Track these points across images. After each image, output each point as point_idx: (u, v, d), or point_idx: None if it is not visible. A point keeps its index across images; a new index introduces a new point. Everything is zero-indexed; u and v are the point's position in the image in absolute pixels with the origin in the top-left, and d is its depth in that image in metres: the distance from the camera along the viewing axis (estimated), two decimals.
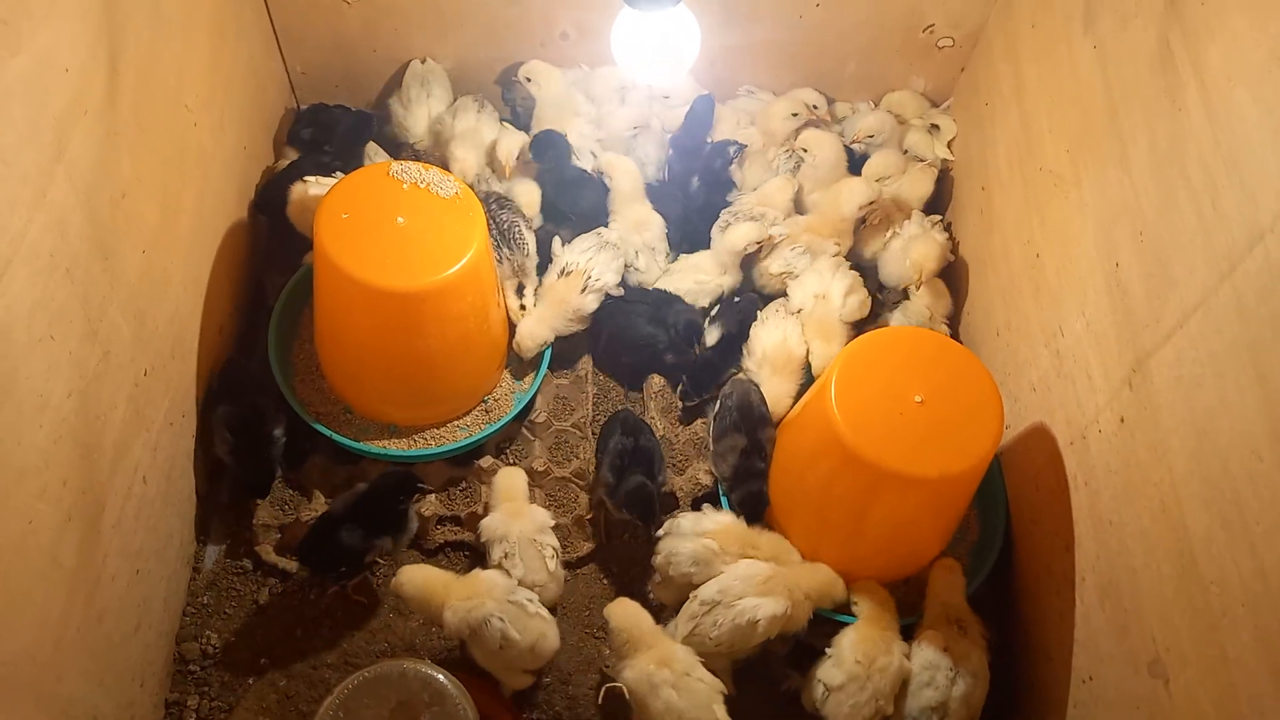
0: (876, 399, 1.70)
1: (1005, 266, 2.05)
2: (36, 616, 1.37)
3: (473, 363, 1.99)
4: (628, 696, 1.67)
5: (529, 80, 2.31)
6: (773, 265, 2.23)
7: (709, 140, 2.37)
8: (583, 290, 2.10)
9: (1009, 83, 2.09)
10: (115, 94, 1.48)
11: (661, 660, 1.67)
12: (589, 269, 2.10)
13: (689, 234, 2.29)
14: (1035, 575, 1.87)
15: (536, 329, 2.08)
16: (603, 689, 1.77)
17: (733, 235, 2.18)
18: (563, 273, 2.11)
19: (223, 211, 2.00)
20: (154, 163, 1.64)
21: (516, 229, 2.10)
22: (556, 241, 2.18)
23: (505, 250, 2.08)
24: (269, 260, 2.19)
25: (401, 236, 1.79)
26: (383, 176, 1.85)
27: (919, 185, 2.32)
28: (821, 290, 2.15)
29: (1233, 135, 1.32)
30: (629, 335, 2.13)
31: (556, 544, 1.86)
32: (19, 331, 1.26)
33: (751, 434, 1.94)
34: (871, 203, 2.24)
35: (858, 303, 2.17)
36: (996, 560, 1.94)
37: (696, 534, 1.83)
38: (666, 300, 2.16)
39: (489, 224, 2.04)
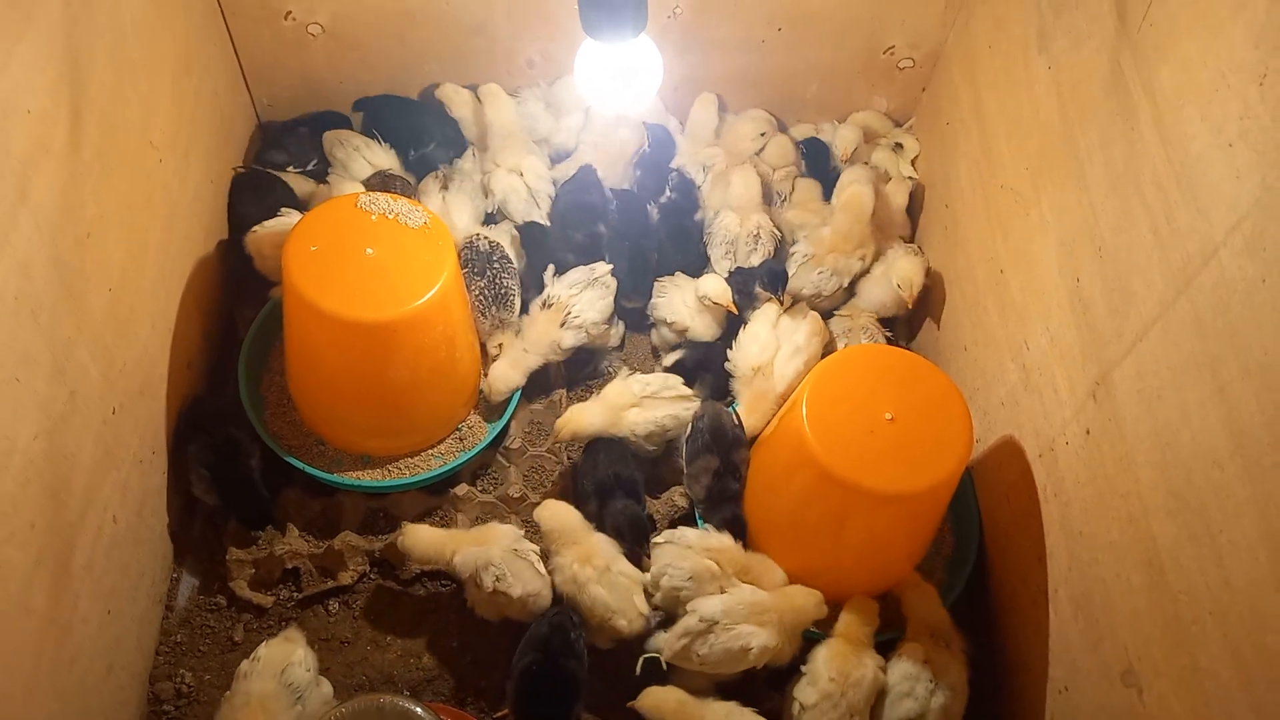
0: (848, 417, 1.72)
1: (970, 283, 2.08)
2: (6, 664, 1.35)
3: (446, 391, 1.99)
4: (664, 665, 1.77)
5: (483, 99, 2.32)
6: (803, 291, 2.23)
7: (672, 168, 2.40)
8: (562, 325, 2.10)
9: (968, 103, 2.13)
10: (78, 134, 1.47)
11: (585, 557, 1.79)
12: (570, 304, 2.10)
13: (661, 258, 2.30)
14: (1010, 588, 1.89)
15: (509, 374, 2.07)
16: (640, 659, 1.79)
17: (706, 285, 2.16)
18: (545, 304, 2.11)
19: (189, 247, 1.99)
20: (119, 202, 1.63)
21: (511, 296, 2.10)
22: (549, 271, 2.18)
23: (494, 309, 2.09)
24: (239, 294, 2.18)
25: (371, 268, 1.79)
26: (350, 208, 1.85)
27: (895, 197, 2.34)
28: (762, 362, 2.07)
29: (1185, 154, 1.35)
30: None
31: (535, 547, 1.85)
32: None
33: (725, 456, 1.95)
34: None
35: (802, 364, 2.07)
36: (972, 573, 1.96)
37: (702, 549, 1.83)
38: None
39: (488, 280, 2.06)
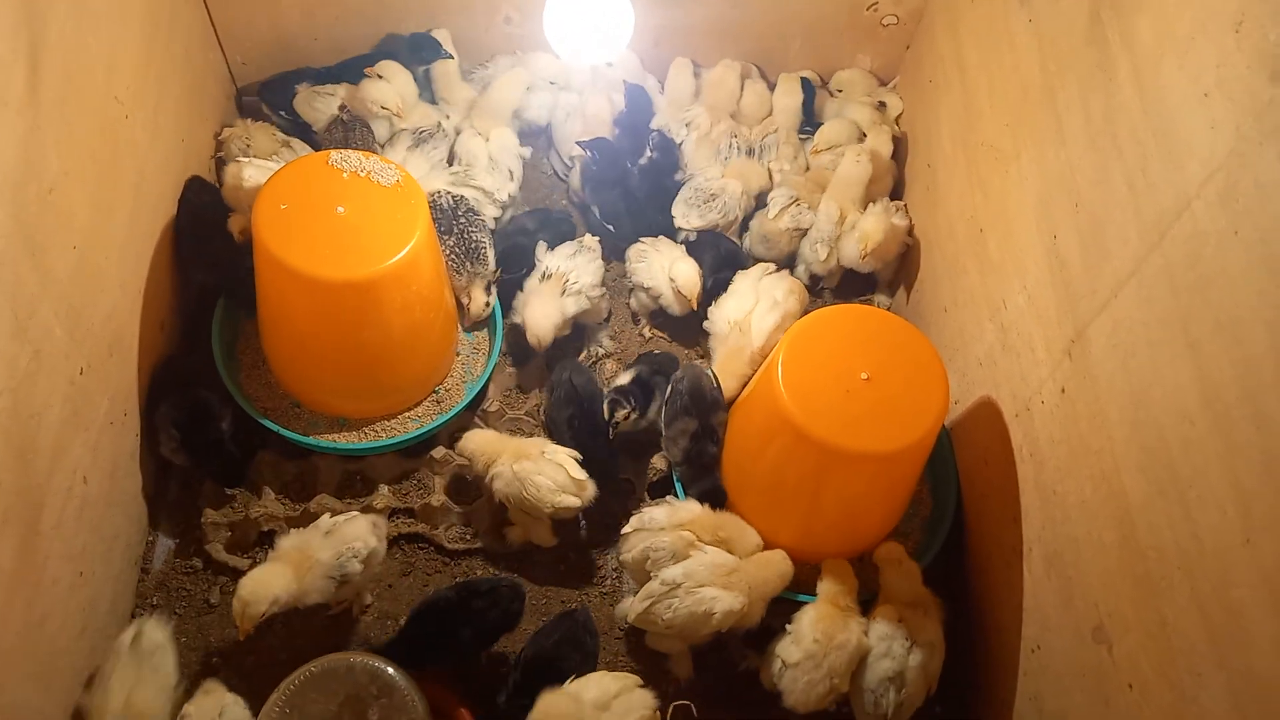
0: (823, 377, 1.71)
1: (951, 243, 2.06)
2: None
3: (421, 352, 1.97)
4: (694, 712, 1.81)
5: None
6: (780, 222, 2.22)
7: (653, 129, 2.37)
8: (563, 293, 2.09)
9: (951, 59, 2.10)
10: (37, 86, 1.44)
11: (518, 455, 1.86)
12: (568, 273, 2.10)
13: (636, 217, 2.27)
14: (986, 548, 1.89)
15: (545, 309, 2.06)
16: (671, 707, 1.81)
17: (679, 271, 2.14)
18: (544, 277, 2.10)
19: (161, 206, 1.96)
20: (83, 157, 1.60)
21: (482, 249, 2.09)
22: (541, 247, 2.17)
23: (467, 264, 2.07)
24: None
25: (342, 226, 1.77)
26: (322, 165, 1.83)
27: (882, 145, 2.32)
28: (739, 317, 2.07)
29: (1161, 104, 1.33)
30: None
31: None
32: None
33: (703, 418, 1.94)
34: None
35: (777, 319, 2.06)
36: (949, 535, 1.96)
37: (673, 526, 1.82)
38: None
39: (456, 236, 2.03)
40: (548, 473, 1.84)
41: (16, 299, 1.41)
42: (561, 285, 2.09)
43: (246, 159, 2.05)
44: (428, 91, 2.36)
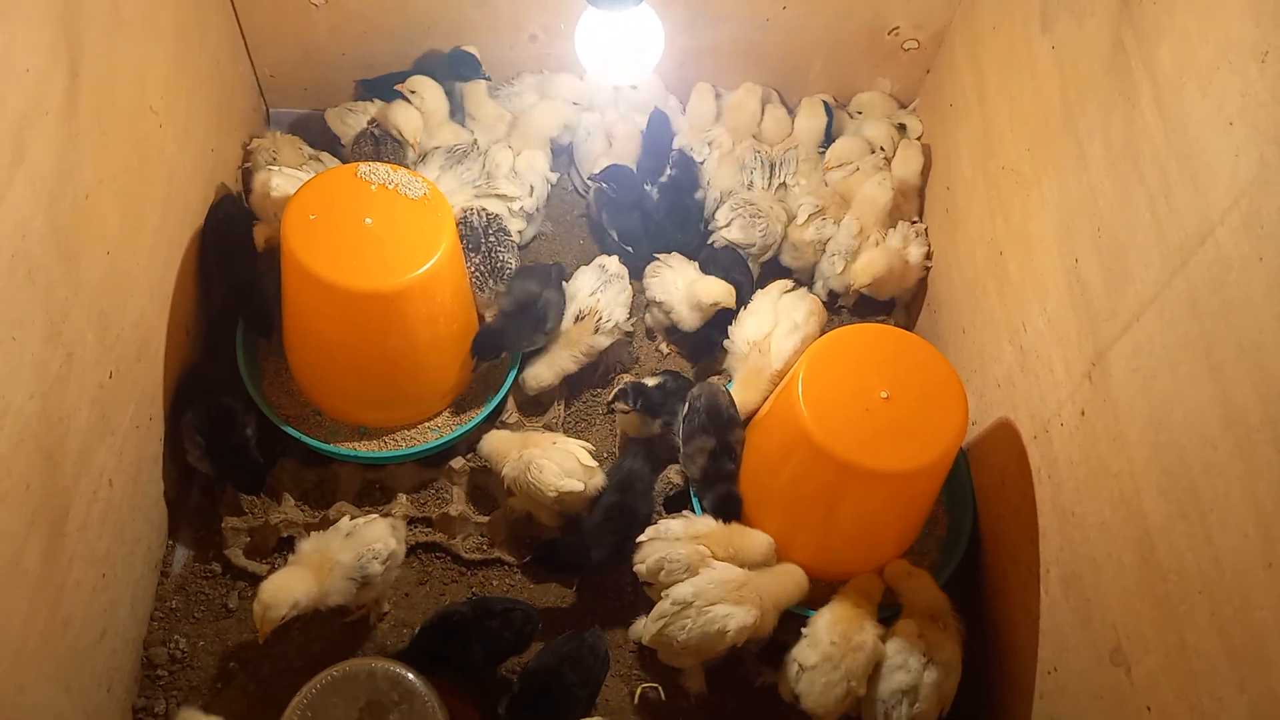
0: (843, 395, 1.72)
1: (970, 265, 2.07)
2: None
3: (443, 363, 1.99)
4: (661, 695, 1.83)
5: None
6: (805, 233, 2.24)
7: (674, 148, 2.40)
8: (595, 331, 2.11)
9: (971, 83, 2.12)
10: (76, 95, 1.47)
11: (525, 444, 1.90)
12: (600, 310, 2.11)
13: (655, 237, 2.29)
14: (1002, 569, 1.89)
15: (542, 372, 2.09)
16: (638, 689, 1.83)
17: (704, 287, 2.14)
18: (578, 317, 2.11)
19: (188, 216, 1.99)
20: (116, 165, 1.63)
21: (508, 268, 2.10)
22: (566, 279, 2.18)
23: (490, 283, 2.09)
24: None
25: (369, 237, 1.79)
26: (350, 177, 1.85)
27: (910, 163, 2.33)
28: (759, 337, 2.07)
29: (1184, 132, 1.35)
30: None
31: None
32: None
33: (720, 436, 1.95)
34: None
35: (797, 343, 2.05)
36: (965, 555, 1.96)
37: (689, 538, 1.83)
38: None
39: (483, 254, 2.06)
40: (555, 458, 1.86)
41: (50, 303, 1.44)
42: (594, 324, 2.11)
43: (274, 168, 2.07)
44: (460, 110, 2.38)
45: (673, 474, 2.09)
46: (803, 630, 1.77)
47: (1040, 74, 1.77)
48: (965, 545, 1.97)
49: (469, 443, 2.09)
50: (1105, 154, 1.54)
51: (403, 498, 2.02)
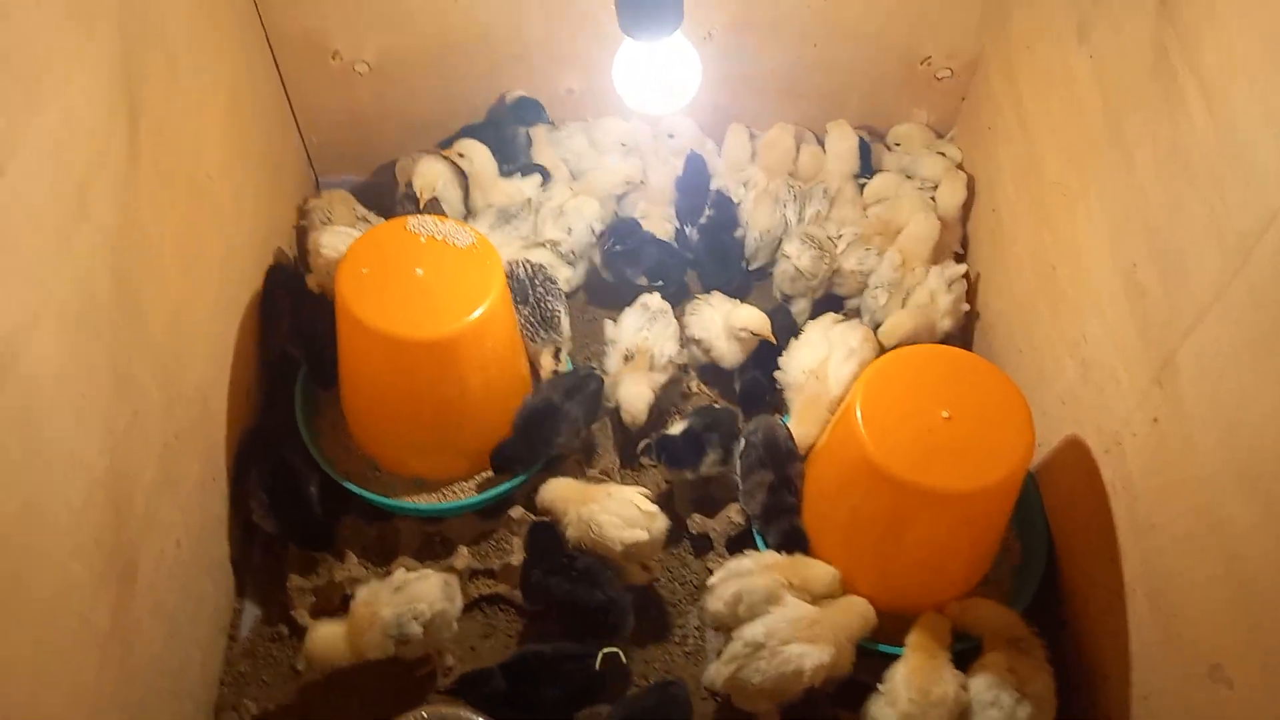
0: (903, 417, 1.69)
1: (1021, 284, 2.05)
2: (70, 679, 1.37)
3: (497, 411, 1.99)
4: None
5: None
6: (847, 262, 2.24)
7: (711, 190, 2.42)
8: (651, 368, 2.11)
9: (1009, 104, 2.12)
10: (136, 156, 1.52)
11: (583, 500, 1.86)
12: (650, 349, 2.11)
13: (702, 275, 2.31)
14: (1083, 592, 1.82)
15: (639, 389, 2.06)
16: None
17: (739, 314, 2.14)
18: (626, 359, 2.12)
19: (245, 279, 2.04)
20: (177, 225, 1.68)
21: (557, 317, 2.12)
22: (608, 325, 2.19)
23: (542, 332, 2.10)
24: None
25: (420, 287, 1.82)
26: (400, 231, 1.89)
27: (954, 195, 2.32)
28: (814, 365, 2.05)
29: (1234, 129, 1.33)
30: None
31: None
32: (49, 387, 1.28)
33: (779, 469, 1.93)
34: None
35: (855, 368, 2.03)
36: (1042, 582, 1.90)
37: (762, 568, 1.80)
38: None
39: (532, 305, 2.08)
40: (614, 510, 1.84)
41: (117, 360, 1.47)
42: (649, 361, 2.11)
43: (328, 226, 2.13)
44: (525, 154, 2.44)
45: (733, 513, 2.06)
46: (878, 685, 1.71)
47: (1080, 85, 1.77)
48: (1041, 571, 1.91)
49: (526, 491, 2.08)
50: (1154, 158, 1.53)
51: (463, 550, 2.01)
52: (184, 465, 1.73)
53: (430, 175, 2.28)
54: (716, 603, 1.79)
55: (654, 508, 1.89)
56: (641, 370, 2.10)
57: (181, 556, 1.72)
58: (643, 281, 2.30)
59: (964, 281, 2.25)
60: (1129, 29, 1.59)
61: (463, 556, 1.99)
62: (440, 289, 1.82)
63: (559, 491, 1.90)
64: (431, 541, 2.05)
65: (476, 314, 1.80)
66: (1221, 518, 1.39)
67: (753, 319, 2.10)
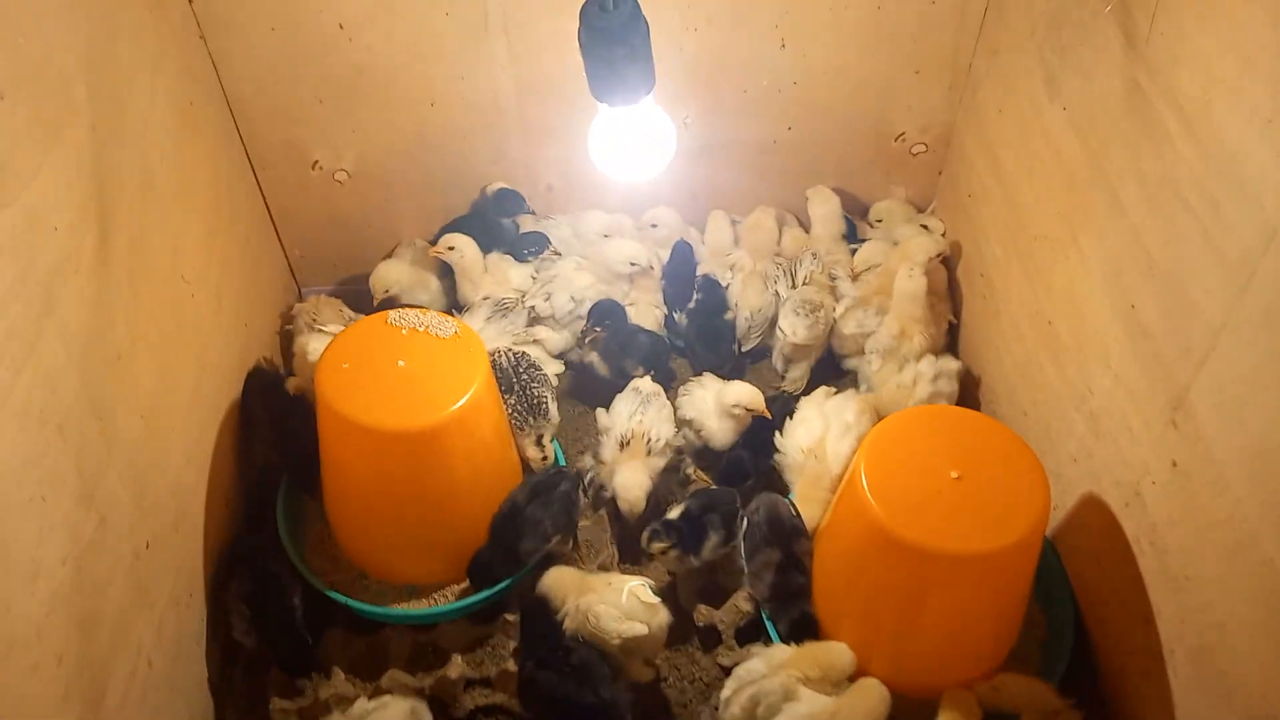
0: (910, 480, 1.61)
1: (1019, 344, 2.00)
2: None
3: (486, 505, 1.90)
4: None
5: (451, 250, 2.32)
6: (846, 325, 2.20)
7: (697, 275, 2.40)
8: (648, 454, 2.04)
9: (987, 168, 2.12)
10: (108, 257, 1.49)
11: (582, 589, 1.76)
12: (645, 432, 2.05)
13: (692, 358, 2.27)
14: (1118, 660, 1.71)
15: (636, 478, 1.99)
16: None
17: (729, 390, 2.08)
18: (622, 445, 2.05)
19: (223, 385, 1.98)
20: (151, 328, 1.63)
21: (544, 403, 2.07)
22: (600, 414, 2.13)
23: (530, 419, 2.05)
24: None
25: (403, 378, 1.76)
26: (381, 325, 1.85)
27: (922, 248, 2.28)
28: (812, 443, 1.99)
29: (1221, 146, 1.31)
30: None
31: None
32: (8, 488, 1.21)
33: (785, 547, 1.84)
34: (939, 254, 2.25)
35: (853, 443, 1.97)
36: (1073, 655, 1.79)
37: (775, 669, 1.70)
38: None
39: (518, 393, 2.04)
40: (612, 601, 1.74)
41: (83, 462, 1.40)
42: (645, 446, 2.04)
43: (314, 329, 2.09)
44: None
45: (741, 600, 1.95)
46: None
47: (1056, 138, 1.77)
48: (1071, 643, 1.80)
49: (521, 593, 1.98)
50: (1141, 192, 1.51)
51: (457, 658, 1.89)
52: (157, 577, 1.63)
53: (382, 277, 2.29)
54: (736, 709, 1.68)
55: (655, 599, 1.79)
56: (638, 457, 2.03)
57: (154, 677, 1.60)
58: (638, 372, 2.25)
59: (955, 380, 2.18)
60: (1099, 73, 1.60)
61: (457, 665, 1.87)
62: (423, 379, 1.77)
63: (558, 579, 1.80)
64: (424, 651, 1.93)
65: (461, 403, 1.74)
66: (1259, 559, 1.30)
67: (744, 394, 2.05)
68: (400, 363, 1.78)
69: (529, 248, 2.35)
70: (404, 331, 1.83)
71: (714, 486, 2.10)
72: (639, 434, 2.03)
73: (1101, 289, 1.65)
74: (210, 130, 2.02)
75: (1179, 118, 1.39)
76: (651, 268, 2.34)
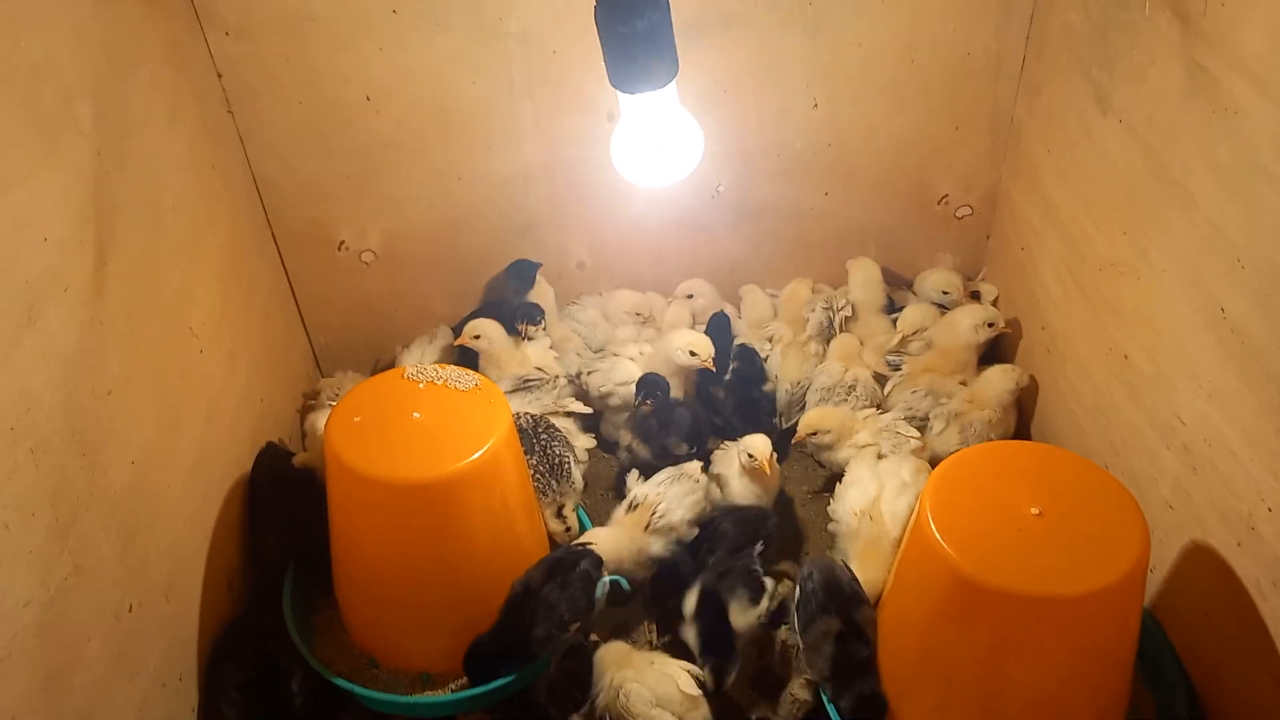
0: (985, 519, 1.41)
1: (1090, 390, 1.83)
2: None
3: (507, 578, 1.72)
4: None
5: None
6: (893, 402, 2.07)
7: (734, 345, 2.28)
8: (647, 528, 1.86)
9: (1039, 215, 2.01)
10: (102, 283, 1.41)
11: (621, 664, 1.64)
12: (656, 503, 1.87)
13: (720, 426, 2.14)
14: None
15: (614, 545, 1.82)
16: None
17: (750, 441, 1.93)
18: (630, 507, 1.90)
19: (233, 456, 1.86)
20: (149, 370, 1.53)
21: (566, 464, 1.94)
22: (632, 475, 1.99)
23: (553, 483, 1.92)
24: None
25: (418, 430, 1.63)
26: (397, 379, 1.73)
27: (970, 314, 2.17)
28: (866, 504, 1.82)
29: None
30: None
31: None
32: None
33: (845, 615, 1.62)
34: (990, 324, 2.10)
35: (912, 499, 1.80)
36: None
37: None
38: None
39: (539, 454, 1.91)
40: (649, 683, 1.55)
41: (58, 496, 1.27)
42: (647, 518, 1.86)
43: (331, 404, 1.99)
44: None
45: (797, 688, 1.73)
46: None
47: (1113, 155, 1.66)
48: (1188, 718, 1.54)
49: (549, 685, 1.76)
50: (1215, 179, 1.37)
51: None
52: (142, 649, 1.47)
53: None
54: None
55: (697, 691, 1.61)
56: (635, 525, 1.85)
57: None
58: (680, 449, 2.09)
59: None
60: (1154, 70, 1.50)
61: None
62: (440, 431, 1.63)
63: (606, 655, 1.64)
64: None
65: (479, 454, 1.59)
66: None
67: (756, 443, 1.90)
68: (415, 415, 1.66)
69: (523, 319, 2.23)
70: (421, 385, 1.72)
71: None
72: (649, 505, 1.86)
73: (1181, 300, 1.49)
74: (231, 197, 1.98)
75: (1250, 81, 1.28)
76: (709, 362, 2.12)
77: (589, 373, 2.22)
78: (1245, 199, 1.31)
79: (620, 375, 2.18)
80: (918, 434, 2.00)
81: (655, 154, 1.51)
